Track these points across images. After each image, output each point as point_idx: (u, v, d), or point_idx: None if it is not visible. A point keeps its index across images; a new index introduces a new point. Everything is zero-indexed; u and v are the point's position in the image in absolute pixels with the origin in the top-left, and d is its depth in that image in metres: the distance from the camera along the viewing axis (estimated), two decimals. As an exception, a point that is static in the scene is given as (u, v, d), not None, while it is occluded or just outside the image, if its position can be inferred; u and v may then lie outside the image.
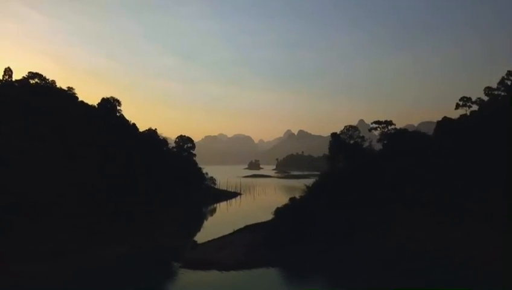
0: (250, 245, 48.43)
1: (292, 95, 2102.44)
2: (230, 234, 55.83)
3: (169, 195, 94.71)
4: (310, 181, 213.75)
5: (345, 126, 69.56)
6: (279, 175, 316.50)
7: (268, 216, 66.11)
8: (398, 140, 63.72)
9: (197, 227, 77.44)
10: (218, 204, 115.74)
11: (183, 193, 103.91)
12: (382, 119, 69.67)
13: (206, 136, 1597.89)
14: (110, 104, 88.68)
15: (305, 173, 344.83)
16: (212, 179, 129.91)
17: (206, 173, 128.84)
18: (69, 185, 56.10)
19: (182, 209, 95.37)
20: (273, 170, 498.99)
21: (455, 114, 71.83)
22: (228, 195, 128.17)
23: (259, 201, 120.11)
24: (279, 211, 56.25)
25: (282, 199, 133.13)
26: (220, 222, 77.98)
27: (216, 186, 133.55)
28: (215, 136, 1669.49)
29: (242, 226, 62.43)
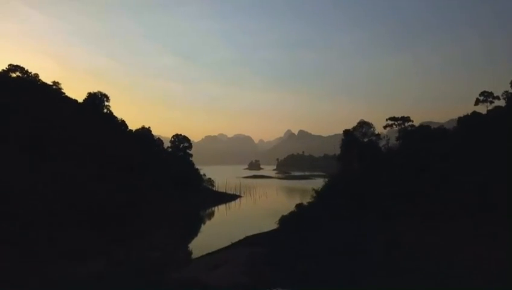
0: (251, 262, 40.62)
1: (292, 95, 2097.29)
2: (227, 248, 48.01)
3: (163, 198, 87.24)
4: (312, 182, 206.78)
5: (358, 122, 61.89)
6: (280, 176, 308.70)
7: (270, 223, 58.70)
8: (418, 138, 56.00)
9: (192, 235, 69.91)
10: (216, 207, 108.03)
11: (178, 195, 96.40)
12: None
13: (206, 136, 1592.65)
14: (97, 100, 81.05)
15: (306, 173, 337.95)
16: (210, 181, 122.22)
17: (204, 175, 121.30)
18: (36, 187, 48.33)
19: (177, 213, 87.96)
20: (274, 170, 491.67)
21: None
22: (227, 197, 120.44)
23: (260, 204, 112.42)
24: (284, 220, 48.67)
25: (285, 202, 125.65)
26: (217, 230, 70.14)
27: (214, 188, 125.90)
28: (215, 136, 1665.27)
29: (241, 236, 54.90)
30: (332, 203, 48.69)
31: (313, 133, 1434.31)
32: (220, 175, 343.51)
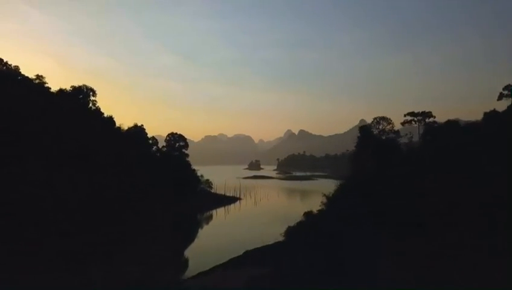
0: (252, 286, 32.79)
1: (292, 95, 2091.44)
2: (223, 266, 40.06)
3: (155, 202, 79.43)
4: (314, 183, 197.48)
5: (375, 118, 53.99)
6: (281, 176, 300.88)
7: (273, 232, 50.96)
8: (445, 136, 48.07)
9: (184, 244, 62.20)
10: (214, 211, 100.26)
11: (173, 199, 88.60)
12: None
13: (205, 136, 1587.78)
14: (82, 94, 73.16)
15: (307, 173, 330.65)
16: (208, 182, 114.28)
17: (201, 176, 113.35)
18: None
19: (170, 219, 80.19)
20: (274, 170, 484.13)
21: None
22: (226, 200, 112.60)
23: (261, 208, 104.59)
24: (290, 232, 40.86)
25: (287, 205, 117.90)
26: (213, 240, 62.22)
27: (212, 190, 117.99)
28: (215, 136, 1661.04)
29: (239, 248, 47.22)
30: (348, 213, 40.95)
31: (313, 133, 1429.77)
32: (219, 175, 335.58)
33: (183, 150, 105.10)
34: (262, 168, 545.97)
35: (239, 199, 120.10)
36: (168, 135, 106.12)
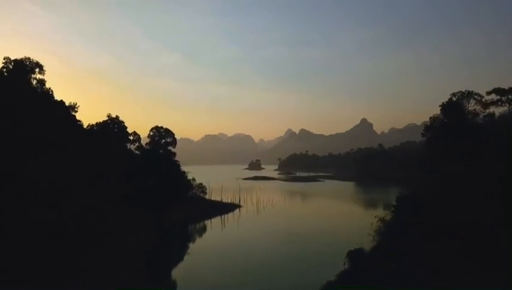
0: None
1: (293, 94, 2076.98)
2: None
3: (128, 215, 60.69)
4: (320, 185, 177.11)
5: (453, 94, 35.00)
6: (284, 177, 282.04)
7: (286, 259, 32.94)
8: None
9: (166, 272, 43.67)
10: (208, 221, 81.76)
11: (154, 209, 69.87)
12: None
13: (205, 136, 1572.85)
14: (24, 70, 53.71)
15: (311, 174, 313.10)
16: (202, 187, 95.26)
17: (193, 179, 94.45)
18: None
19: (153, 233, 61.51)
20: (276, 170, 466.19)
21: None
22: (222, 208, 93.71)
23: (265, 219, 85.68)
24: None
25: (298, 214, 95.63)
26: (200, 279, 43.04)
27: (207, 196, 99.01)
28: (215, 135, 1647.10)
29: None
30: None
31: (314, 132, 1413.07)
32: (218, 176, 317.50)
33: (170, 148, 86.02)
34: (263, 168, 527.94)
35: (238, 206, 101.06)
36: (152, 129, 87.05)
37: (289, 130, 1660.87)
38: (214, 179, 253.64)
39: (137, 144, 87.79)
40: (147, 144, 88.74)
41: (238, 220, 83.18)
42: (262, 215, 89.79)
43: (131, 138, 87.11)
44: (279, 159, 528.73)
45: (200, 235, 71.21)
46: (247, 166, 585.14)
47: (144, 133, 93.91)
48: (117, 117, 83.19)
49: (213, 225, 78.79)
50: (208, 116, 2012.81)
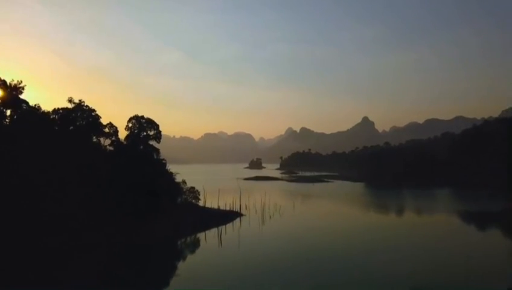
0: None
1: (294, 92, 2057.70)
2: None
3: (92, 230, 43.41)
4: (329, 186, 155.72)
5: None
6: (287, 177, 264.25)
7: None
8: None
9: None
10: (203, 234, 64.41)
11: (128, 222, 52.50)
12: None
13: (205, 134, 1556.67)
14: None
15: (315, 173, 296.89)
16: (194, 192, 77.28)
17: (183, 181, 76.70)
18: None
19: (111, 261, 44.23)
20: (277, 169, 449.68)
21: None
22: (219, 218, 75.99)
23: (274, 232, 67.85)
24: None
25: (316, 226, 69.14)
26: None
27: (201, 202, 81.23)
28: (215, 133, 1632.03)
29: None
30: None
31: (315, 130, 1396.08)
32: (217, 176, 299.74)
33: (152, 142, 68.29)
34: (263, 167, 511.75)
35: (239, 214, 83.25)
36: (131, 118, 69.21)
37: (289, 128, 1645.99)
38: (212, 179, 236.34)
39: (113, 138, 70.23)
40: (126, 138, 71.15)
41: (239, 234, 65.25)
42: (270, 226, 71.95)
43: (107, 130, 69.63)
44: (281, 157, 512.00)
45: (187, 257, 53.52)
46: (247, 165, 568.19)
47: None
48: (82, 102, 65.36)
49: (208, 240, 61.13)
50: (208, 115, 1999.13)
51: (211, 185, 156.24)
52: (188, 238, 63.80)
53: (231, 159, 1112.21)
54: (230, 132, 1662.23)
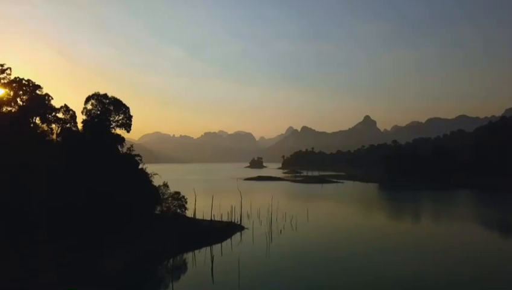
0: None
1: (295, 91, 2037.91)
2: None
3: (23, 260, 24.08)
4: (341, 187, 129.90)
5: None
6: (291, 177, 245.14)
7: None
8: None
9: None
10: (190, 256, 45.82)
11: (83, 245, 33.22)
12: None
13: (205, 133, 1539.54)
14: None
15: (320, 173, 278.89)
16: (178, 198, 57.60)
17: (165, 184, 57.32)
18: None
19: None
20: (279, 168, 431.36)
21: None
22: (214, 233, 56.94)
23: (289, 256, 48.21)
24: None
25: (349, 245, 39.86)
26: None
27: (187, 212, 61.87)
28: (215, 132, 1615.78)
29: None
30: None
31: (316, 129, 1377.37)
32: (216, 175, 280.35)
33: (119, 131, 49.14)
34: (265, 166, 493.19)
35: (241, 227, 64.03)
36: (89, 97, 49.88)
37: (290, 127, 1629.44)
38: (210, 180, 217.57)
39: (70, 124, 51.29)
40: (83, 123, 51.97)
41: (239, 259, 45.03)
42: (280, 245, 52.70)
43: (60, 115, 50.79)
44: (283, 156, 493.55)
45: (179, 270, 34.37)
46: (248, 164, 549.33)
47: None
48: (28, 81, 46.57)
49: (194, 268, 41.98)
50: (208, 114, 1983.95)
51: (207, 186, 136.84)
52: (169, 262, 44.77)
53: (231, 159, 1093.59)
54: (230, 130, 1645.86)
